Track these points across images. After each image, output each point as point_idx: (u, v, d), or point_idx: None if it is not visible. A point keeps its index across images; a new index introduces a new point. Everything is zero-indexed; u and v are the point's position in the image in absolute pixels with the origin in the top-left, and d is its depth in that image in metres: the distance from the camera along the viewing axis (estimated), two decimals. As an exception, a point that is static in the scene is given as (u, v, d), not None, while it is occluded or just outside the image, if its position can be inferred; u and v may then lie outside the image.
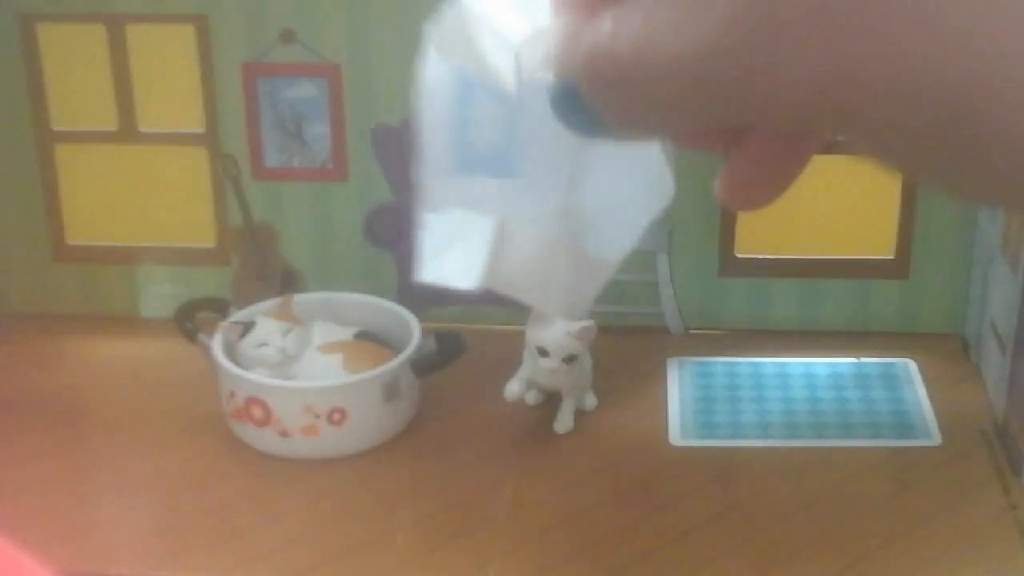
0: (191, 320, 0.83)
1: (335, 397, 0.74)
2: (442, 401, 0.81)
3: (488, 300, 0.96)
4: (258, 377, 0.76)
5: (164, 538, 0.69)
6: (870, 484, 0.72)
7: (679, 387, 0.84)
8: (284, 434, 0.75)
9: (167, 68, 0.89)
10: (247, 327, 0.79)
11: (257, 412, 0.75)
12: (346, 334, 0.80)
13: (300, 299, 0.83)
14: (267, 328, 0.78)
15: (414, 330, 0.79)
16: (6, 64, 0.89)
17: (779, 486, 0.71)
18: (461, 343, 0.80)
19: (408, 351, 0.77)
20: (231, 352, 0.79)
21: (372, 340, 0.80)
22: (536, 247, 0.50)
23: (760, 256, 0.91)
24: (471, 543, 0.67)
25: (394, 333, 0.81)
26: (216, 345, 0.79)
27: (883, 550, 0.66)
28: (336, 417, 0.74)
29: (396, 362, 0.76)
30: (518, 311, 0.91)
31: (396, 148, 0.89)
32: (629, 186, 0.52)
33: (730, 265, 0.91)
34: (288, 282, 0.90)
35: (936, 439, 0.76)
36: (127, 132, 0.90)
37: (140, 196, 0.92)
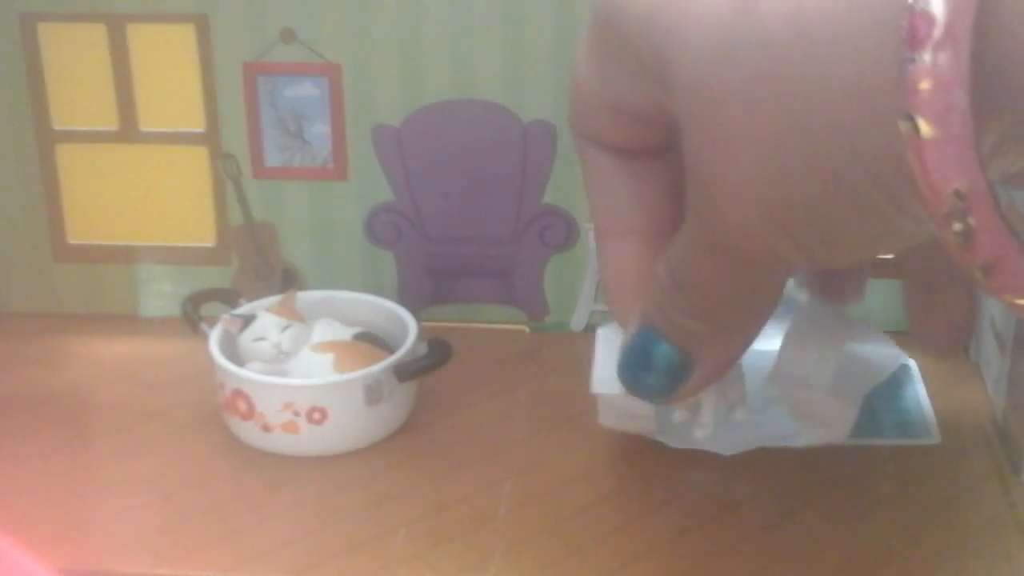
0: (197, 311, 0.83)
1: (315, 396, 0.74)
2: (442, 399, 0.81)
3: (490, 300, 0.96)
4: (241, 371, 0.76)
5: (165, 536, 0.69)
6: (869, 482, 0.72)
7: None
8: (266, 429, 0.75)
9: (167, 68, 0.89)
10: (247, 320, 0.79)
11: (241, 405, 0.75)
12: (346, 334, 0.80)
13: (302, 296, 0.83)
14: (266, 323, 0.78)
15: (410, 333, 0.79)
16: (7, 63, 0.89)
17: (778, 484, 0.71)
18: (449, 350, 0.79)
19: (395, 356, 0.77)
20: (232, 345, 0.79)
21: (371, 341, 0.79)
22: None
23: (760, 255, 0.90)
24: (471, 541, 0.68)
25: (393, 334, 0.81)
26: (213, 336, 0.79)
27: (882, 547, 0.66)
28: (316, 416, 0.74)
29: (380, 367, 0.76)
30: (517, 311, 0.91)
31: (396, 148, 0.89)
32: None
33: (730, 264, 0.90)
34: (288, 281, 0.90)
35: (936, 438, 0.76)
36: (128, 131, 0.90)
37: (140, 195, 0.92)
